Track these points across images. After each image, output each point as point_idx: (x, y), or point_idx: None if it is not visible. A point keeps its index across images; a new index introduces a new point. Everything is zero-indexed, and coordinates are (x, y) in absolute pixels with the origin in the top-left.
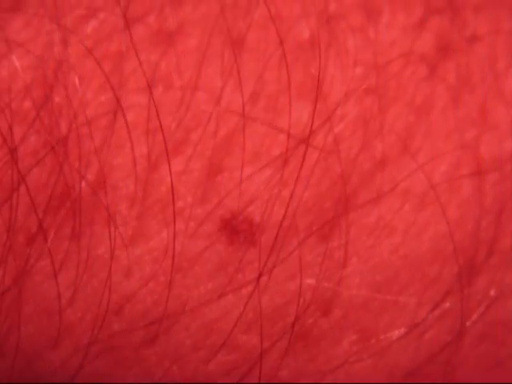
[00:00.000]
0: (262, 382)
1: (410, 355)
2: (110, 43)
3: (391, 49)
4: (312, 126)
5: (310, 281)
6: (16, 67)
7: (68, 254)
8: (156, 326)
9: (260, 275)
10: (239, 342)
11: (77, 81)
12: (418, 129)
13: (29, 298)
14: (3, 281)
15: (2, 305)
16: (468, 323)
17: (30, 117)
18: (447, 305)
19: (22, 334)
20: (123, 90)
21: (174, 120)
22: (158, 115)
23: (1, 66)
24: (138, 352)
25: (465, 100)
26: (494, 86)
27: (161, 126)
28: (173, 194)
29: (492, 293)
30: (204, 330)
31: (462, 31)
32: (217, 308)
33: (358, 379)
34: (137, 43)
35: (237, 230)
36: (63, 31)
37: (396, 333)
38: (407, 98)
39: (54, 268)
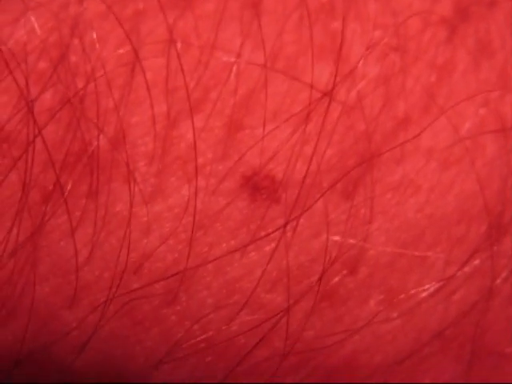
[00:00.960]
0: (286, 342)
1: (439, 316)
2: (128, 2)
3: (410, 11)
4: (334, 81)
5: (336, 238)
6: (33, 25)
7: (85, 211)
8: (176, 284)
9: (284, 232)
10: (263, 301)
11: (95, 37)
12: (439, 89)
13: (44, 256)
14: (17, 239)
15: (17, 263)
16: (498, 282)
17: (47, 74)
18: (476, 263)
19: (37, 293)
20: (142, 49)
21: (192, 78)
22: (182, 70)
23: (18, 25)
24: (157, 312)
25: (485, 63)
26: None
27: (185, 80)
28: (195, 150)
29: None
30: (226, 289)
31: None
32: (239, 266)
33: (386, 340)
34: (155, 4)
35: (259, 186)
36: None
37: (424, 292)
38: (428, 58)
39: (71, 225)
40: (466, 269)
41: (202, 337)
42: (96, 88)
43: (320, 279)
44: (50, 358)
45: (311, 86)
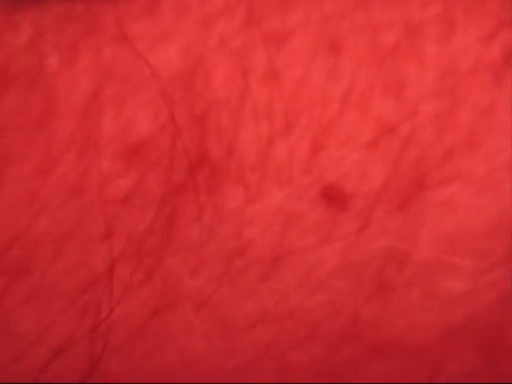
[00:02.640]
0: (348, 320)
1: (467, 313)
2: (235, 41)
3: (463, 56)
4: (396, 118)
5: (389, 242)
6: (169, 58)
7: (205, 205)
8: (270, 266)
9: (349, 234)
10: (333, 285)
11: (218, 73)
12: (481, 127)
13: (175, 236)
14: (156, 223)
15: (155, 241)
16: None
17: (178, 98)
18: (499, 272)
19: (168, 264)
20: (249, 79)
21: (287, 107)
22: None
23: (156, 55)
24: (255, 285)
25: None
26: None
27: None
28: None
29: None
30: (305, 274)
31: None
32: (316, 256)
33: (423, 328)
34: (257, 42)
35: (333, 197)
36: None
37: (454, 291)
38: (474, 99)
39: (199, 214)
40: (491, 276)
41: (286, 308)
42: (215, 111)
43: (372, 272)
44: (175, 314)
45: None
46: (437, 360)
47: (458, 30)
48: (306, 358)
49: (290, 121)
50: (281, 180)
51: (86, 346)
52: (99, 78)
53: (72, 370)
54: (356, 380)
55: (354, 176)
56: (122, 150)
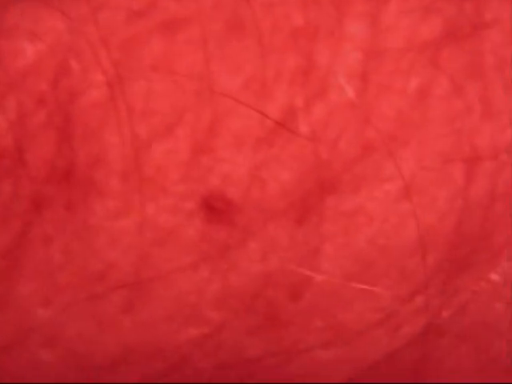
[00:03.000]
0: (229, 359)
1: (380, 348)
2: (117, 30)
3: (394, 34)
4: (296, 109)
5: (283, 264)
6: (29, 54)
7: (64, 222)
8: (133, 294)
9: (234, 254)
10: (208, 316)
11: (76, 65)
12: (410, 116)
13: (28, 260)
14: (7, 243)
15: (5, 265)
16: (444, 319)
17: (37, 97)
18: (423, 299)
19: (20, 292)
20: (126, 73)
21: (167, 103)
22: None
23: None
24: (116, 318)
25: (469, 88)
26: (500, 75)
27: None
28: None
29: (470, 292)
30: (176, 302)
31: (470, 17)
32: (189, 281)
33: (324, 367)
34: (141, 33)
35: (215, 208)
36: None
37: (366, 324)
38: (402, 83)
39: (47, 235)
40: (413, 304)
41: (152, 344)
42: (79, 111)
43: (260, 301)
44: (24, 350)
45: (263, 114)
46: None
47: (390, 2)
48: None
49: (171, 120)
50: (153, 190)
51: None
52: None
53: None
54: None
55: (242, 182)
56: None
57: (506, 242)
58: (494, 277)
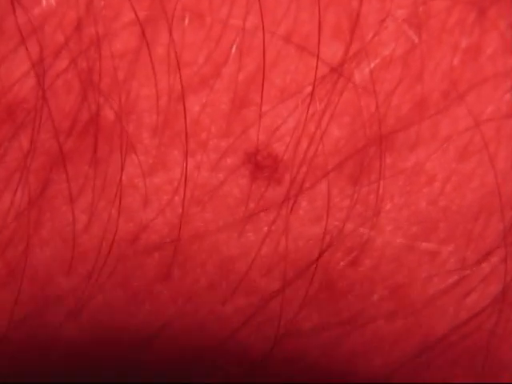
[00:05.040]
0: (280, 331)
1: (448, 319)
2: None
3: None
4: (345, 57)
5: (338, 224)
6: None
7: (87, 179)
8: (170, 259)
9: (285, 214)
10: (258, 285)
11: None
12: (462, 73)
13: (46, 221)
14: (20, 203)
15: (20, 226)
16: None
17: (60, 44)
18: (492, 263)
19: (37, 257)
20: (152, 24)
21: (202, 54)
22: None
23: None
24: (151, 286)
25: None
26: None
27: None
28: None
29: None
30: (221, 269)
31: None
32: (236, 246)
33: (387, 342)
34: None
35: (261, 165)
36: None
37: (432, 291)
38: (452, 40)
39: (70, 193)
40: (481, 269)
41: (193, 316)
42: (104, 60)
43: (316, 267)
44: (43, 323)
45: (317, 60)
46: None
47: None
48: None
49: (206, 71)
50: (190, 145)
51: None
52: None
53: None
54: None
55: (288, 137)
56: None
57: None
58: None
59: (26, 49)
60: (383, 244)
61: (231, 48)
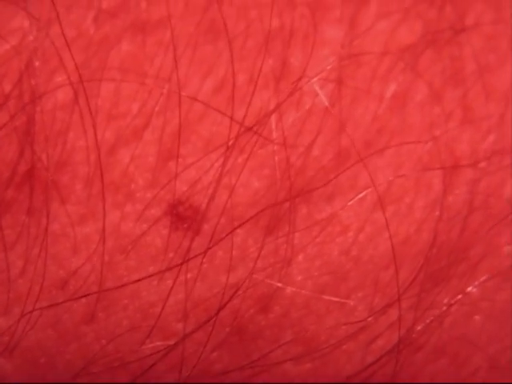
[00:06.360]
0: (194, 372)
1: (354, 363)
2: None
3: (372, 39)
4: (266, 114)
5: (250, 274)
6: None
7: (24, 227)
8: (95, 303)
9: (200, 264)
10: (173, 328)
11: (41, 66)
12: (388, 122)
13: None
14: None
15: None
16: (416, 334)
17: (1, 96)
18: (397, 313)
19: None
20: (89, 74)
21: (135, 106)
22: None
23: None
24: (77, 328)
25: (445, 95)
26: (480, 81)
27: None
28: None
29: (447, 304)
30: (141, 313)
31: (451, 21)
32: (155, 292)
33: (296, 382)
34: (110, 33)
35: (182, 215)
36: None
37: (338, 337)
38: (380, 89)
39: (3, 241)
40: (387, 318)
41: (115, 355)
42: (42, 114)
43: (218, 311)
44: None
45: (230, 121)
46: None
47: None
48: None
49: (138, 123)
50: (118, 196)
51: None
52: None
53: None
54: None
55: (208, 190)
56: None
57: (485, 253)
58: (472, 290)
59: None
60: (293, 293)
61: (158, 102)
